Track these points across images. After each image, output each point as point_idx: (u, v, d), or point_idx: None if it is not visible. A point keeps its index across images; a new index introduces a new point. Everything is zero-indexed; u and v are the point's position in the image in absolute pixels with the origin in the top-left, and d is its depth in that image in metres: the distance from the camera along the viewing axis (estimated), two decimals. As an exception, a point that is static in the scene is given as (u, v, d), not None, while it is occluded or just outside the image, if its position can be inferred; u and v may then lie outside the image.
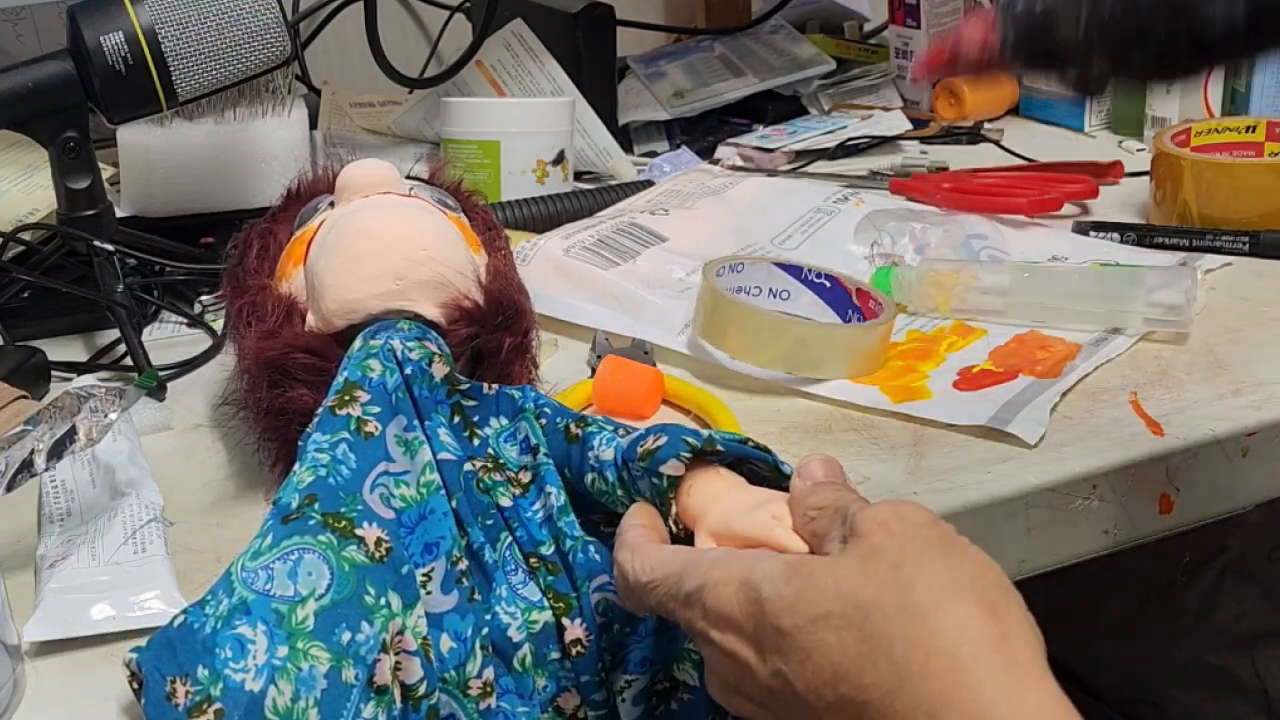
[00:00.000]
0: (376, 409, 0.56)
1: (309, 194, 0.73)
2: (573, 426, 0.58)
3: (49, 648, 0.56)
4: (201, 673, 0.47)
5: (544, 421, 0.58)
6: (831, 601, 0.42)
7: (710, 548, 0.50)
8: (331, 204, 0.69)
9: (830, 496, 0.48)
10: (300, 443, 0.55)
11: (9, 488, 0.56)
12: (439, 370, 0.58)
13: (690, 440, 0.53)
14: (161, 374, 0.80)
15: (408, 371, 0.57)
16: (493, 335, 0.64)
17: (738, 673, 0.45)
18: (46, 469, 0.58)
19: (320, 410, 0.56)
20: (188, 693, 0.47)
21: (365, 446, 0.55)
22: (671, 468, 0.52)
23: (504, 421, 0.59)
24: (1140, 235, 0.95)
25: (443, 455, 0.56)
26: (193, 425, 0.76)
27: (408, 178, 0.72)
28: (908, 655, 0.40)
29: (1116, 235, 0.96)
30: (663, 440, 0.53)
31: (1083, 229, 0.97)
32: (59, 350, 0.85)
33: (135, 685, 0.49)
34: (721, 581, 0.45)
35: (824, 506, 0.47)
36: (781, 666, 0.43)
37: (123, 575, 0.58)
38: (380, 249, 0.62)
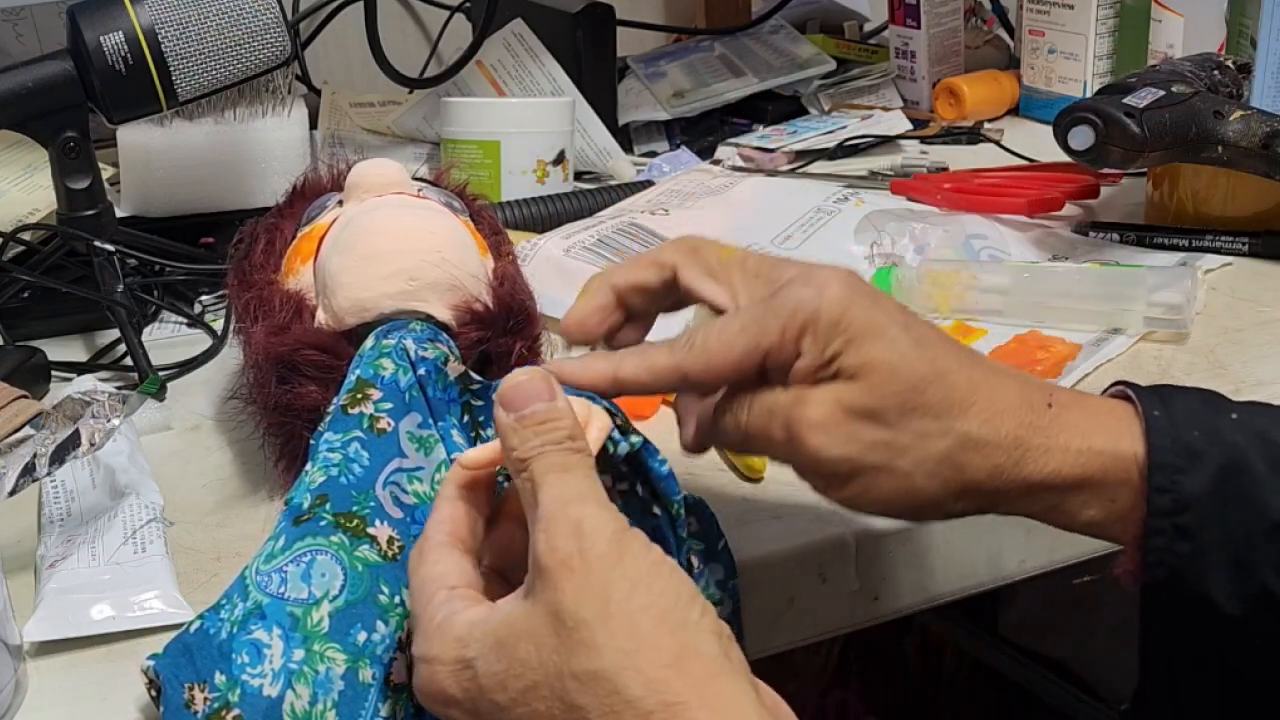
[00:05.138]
0: (389, 405, 0.56)
1: (314, 191, 0.73)
2: None
3: (49, 648, 0.56)
4: (219, 679, 0.47)
5: None
6: (535, 671, 0.44)
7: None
8: (339, 202, 0.69)
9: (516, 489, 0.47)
10: (312, 442, 0.55)
11: (11, 492, 0.56)
12: (454, 369, 0.58)
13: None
14: (161, 374, 0.80)
15: (421, 372, 0.57)
16: (502, 340, 0.64)
17: None
18: (48, 474, 0.58)
19: (332, 409, 0.56)
20: (206, 699, 0.47)
21: (378, 443, 0.55)
22: None
23: None
24: (1140, 235, 0.95)
25: (455, 456, 0.56)
26: (193, 425, 0.76)
27: (414, 179, 0.72)
28: None
29: (1116, 235, 0.96)
30: None
31: (1083, 229, 0.97)
32: (59, 350, 0.85)
33: (153, 693, 0.49)
34: (438, 659, 0.46)
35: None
36: None
37: (123, 575, 0.58)
38: (395, 249, 0.62)
